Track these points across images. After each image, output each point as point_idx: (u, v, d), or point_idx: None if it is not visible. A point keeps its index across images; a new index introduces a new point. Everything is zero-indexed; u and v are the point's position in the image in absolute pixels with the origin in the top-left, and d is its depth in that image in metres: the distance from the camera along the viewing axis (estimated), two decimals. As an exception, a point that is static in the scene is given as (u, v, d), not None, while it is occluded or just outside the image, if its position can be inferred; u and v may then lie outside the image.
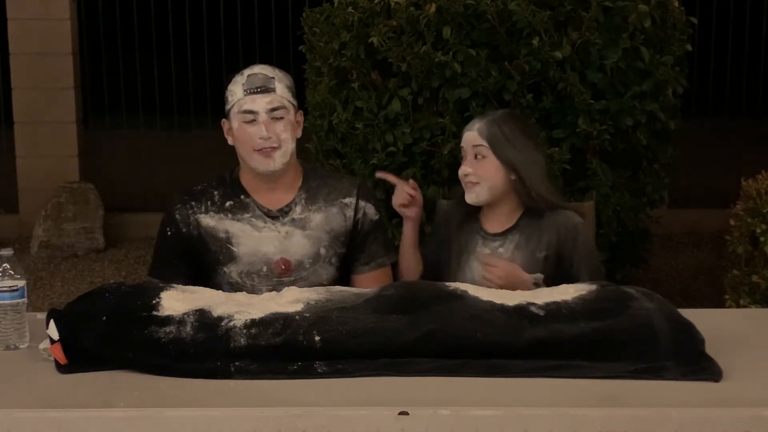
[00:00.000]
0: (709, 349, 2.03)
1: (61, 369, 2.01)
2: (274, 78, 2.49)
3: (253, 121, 2.47)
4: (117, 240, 6.55)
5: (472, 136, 2.56)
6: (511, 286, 2.35)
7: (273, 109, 2.47)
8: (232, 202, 2.55)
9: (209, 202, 2.55)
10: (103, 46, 8.21)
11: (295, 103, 2.54)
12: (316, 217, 2.55)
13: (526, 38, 3.63)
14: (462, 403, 1.82)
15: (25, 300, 2.18)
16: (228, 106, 2.52)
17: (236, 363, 1.97)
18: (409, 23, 3.69)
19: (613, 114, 3.71)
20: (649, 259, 4.41)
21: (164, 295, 2.07)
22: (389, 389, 1.90)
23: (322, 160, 4.03)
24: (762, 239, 3.49)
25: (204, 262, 2.54)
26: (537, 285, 2.42)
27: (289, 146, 2.51)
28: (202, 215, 2.54)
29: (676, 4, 4.02)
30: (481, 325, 2.01)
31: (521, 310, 2.05)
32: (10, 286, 2.13)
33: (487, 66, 3.63)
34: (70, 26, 6.73)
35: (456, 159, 3.72)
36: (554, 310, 2.05)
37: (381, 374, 1.96)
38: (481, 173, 2.54)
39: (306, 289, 2.16)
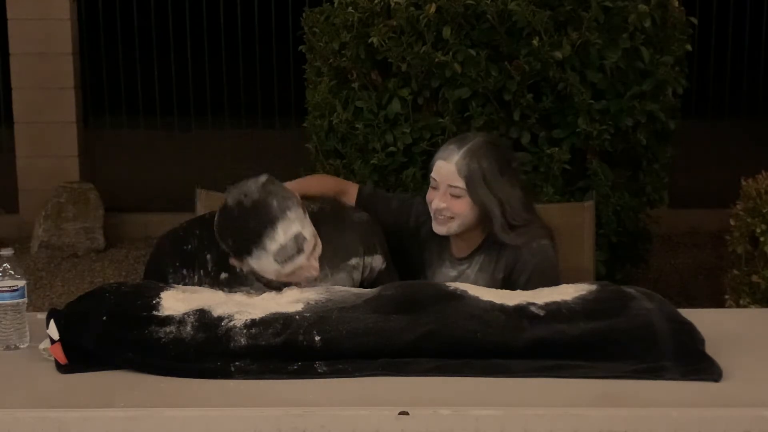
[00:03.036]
0: (709, 349, 2.03)
1: (61, 369, 2.01)
2: (300, 233, 2.19)
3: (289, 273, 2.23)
4: (117, 240, 6.55)
5: (450, 172, 2.46)
6: None
7: (310, 253, 2.23)
8: (227, 275, 2.32)
9: (202, 271, 2.34)
10: (103, 46, 8.22)
11: (311, 229, 2.24)
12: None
13: (526, 38, 3.63)
14: (462, 403, 1.82)
15: (25, 300, 2.17)
16: (242, 263, 2.23)
17: (236, 363, 1.97)
18: (409, 23, 3.68)
19: (613, 114, 3.71)
20: (649, 259, 4.41)
21: (164, 295, 2.07)
22: (389, 389, 1.90)
23: (322, 159, 4.03)
24: (762, 239, 3.49)
25: None
26: None
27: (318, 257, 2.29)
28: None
29: (676, 4, 4.02)
30: (481, 325, 2.01)
31: (521, 310, 2.05)
32: (10, 286, 2.13)
33: (487, 66, 3.63)
34: (70, 26, 6.73)
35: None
36: (554, 310, 2.05)
37: (381, 374, 1.96)
38: (456, 210, 2.48)
39: (306, 289, 2.16)
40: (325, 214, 2.45)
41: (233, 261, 2.25)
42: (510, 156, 2.66)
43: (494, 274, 2.53)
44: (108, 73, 8.38)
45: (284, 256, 2.17)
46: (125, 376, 1.98)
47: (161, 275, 2.34)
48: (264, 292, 2.28)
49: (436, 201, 2.50)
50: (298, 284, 2.22)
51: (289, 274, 2.21)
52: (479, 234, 2.56)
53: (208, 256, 2.34)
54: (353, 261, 2.42)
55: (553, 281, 2.44)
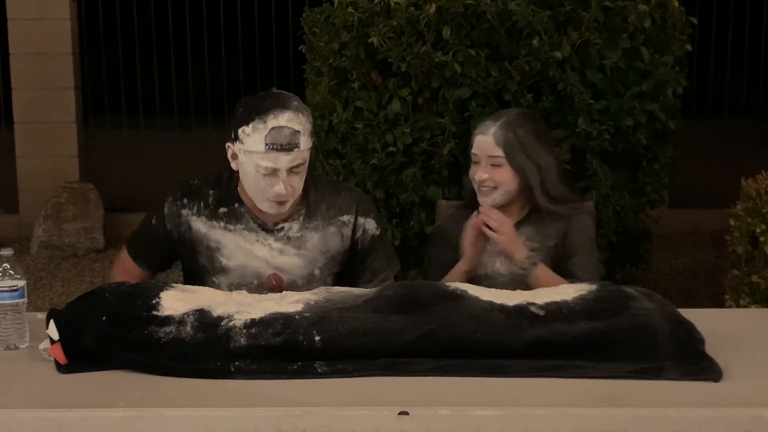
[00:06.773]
0: (709, 349, 2.03)
1: (61, 369, 2.01)
2: (299, 132, 2.31)
3: (271, 174, 2.33)
4: (117, 240, 6.54)
5: (488, 144, 2.58)
6: (507, 242, 2.51)
7: (295, 166, 2.33)
8: (225, 210, 2.45)
9: (202, 203, 2.46)
10: (103, 46, 8.21)
11: (312, 142, 2.40)
12: (313, 237, 2.46)
13: (526, 38, 3.63)
14: (462, 403, 1.82)
15: (25, 300, 2.18)
16: (241, 145, 2.34)
17: (236, 363, 1.97)
18: (409, 23, 3.69)
19: (613, 114, 3.71)
20: (649, 259, 4.41)
21: (164, 295, 2.07)
22: (389, 389, 1.90)
23: (322, 160, 4.03)
24: (762, 239, 3.50)
25: (192, 267, 2.49)
26: (524, 269, 2.52)
27: (301, 187, 2.40)
28: (194, 217, 2.46)
29: (676, 4, 4.02)
30: (481, 325, 2.01)
31: (521, 310, 2.05)
32: (10, 286, 2.13)
33: (487, 66, 3.63)
34: (70, 26, 6.74)
35: (456, 159, 3.73)
36: (554, 310, 2.05)
37: (381, 374, 1.96)
38: (499, 179, 2.58)
39: (305, 291, 2.17)
40: (324, 178, 2.65)
41: (229, 145, 2.38)
42: (545, 127, 2.80)
43: (545, 242, 2.61)
44: (108, 73, 8.37)
45: (274, 141, 2.29)
46: (125, 376, 1.98)
47: (161, 205, 2.49)
48: (259, 235, 2.44)
49: (478, 173, 2.61)
50: (278, 203, 2.36)
51: (264, 177, 2.32)
52: (522, 207, 2.64)
53: (210, 192, 2.48)
54: (345, 218, 2.50)
55: (594, 254, 2.67)
